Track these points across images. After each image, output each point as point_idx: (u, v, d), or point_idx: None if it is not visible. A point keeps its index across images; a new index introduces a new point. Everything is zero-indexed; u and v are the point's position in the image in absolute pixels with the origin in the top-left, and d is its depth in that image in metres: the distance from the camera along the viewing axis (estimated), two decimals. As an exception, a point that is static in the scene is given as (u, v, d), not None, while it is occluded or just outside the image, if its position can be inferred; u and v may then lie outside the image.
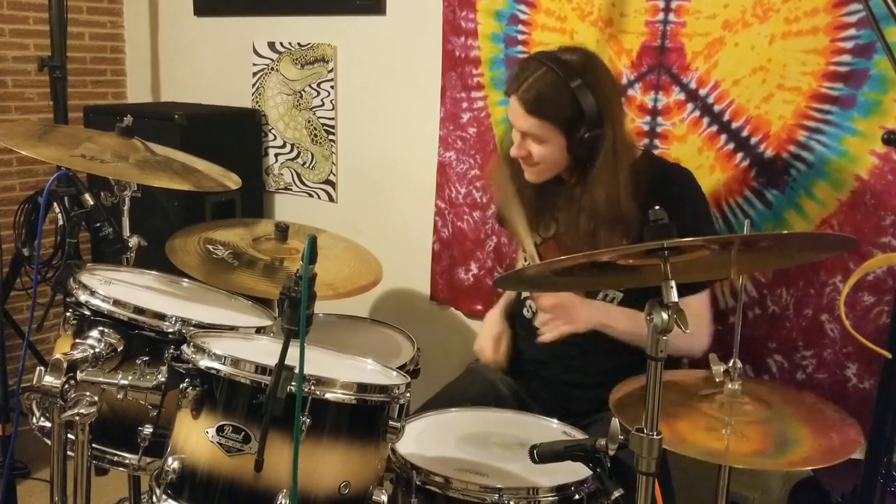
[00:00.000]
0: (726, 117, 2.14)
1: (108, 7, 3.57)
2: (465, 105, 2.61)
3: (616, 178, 1.81)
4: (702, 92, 2.16)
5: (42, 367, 1.39)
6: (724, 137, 2.15)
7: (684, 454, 1.45)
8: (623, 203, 1.80)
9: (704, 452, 1.47)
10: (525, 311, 2.05)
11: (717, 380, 1.67)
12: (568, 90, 1.78)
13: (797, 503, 1.98)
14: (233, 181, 2.07)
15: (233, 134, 3.12)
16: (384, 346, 2.21)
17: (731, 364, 1.66)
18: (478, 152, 2.61)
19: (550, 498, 1.52)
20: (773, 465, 1.80)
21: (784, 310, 2.11)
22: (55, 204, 2.67)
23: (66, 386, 1.39)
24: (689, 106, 2.19)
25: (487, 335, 2.08)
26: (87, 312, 1.61)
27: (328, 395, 1.35)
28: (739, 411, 1.61)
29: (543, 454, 1.45)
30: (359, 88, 2.92)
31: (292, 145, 3.13)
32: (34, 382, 1.39)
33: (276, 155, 3.19)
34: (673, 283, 1.25)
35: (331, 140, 3.02)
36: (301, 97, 3.06)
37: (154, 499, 1.39)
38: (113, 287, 1.72)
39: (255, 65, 3.17)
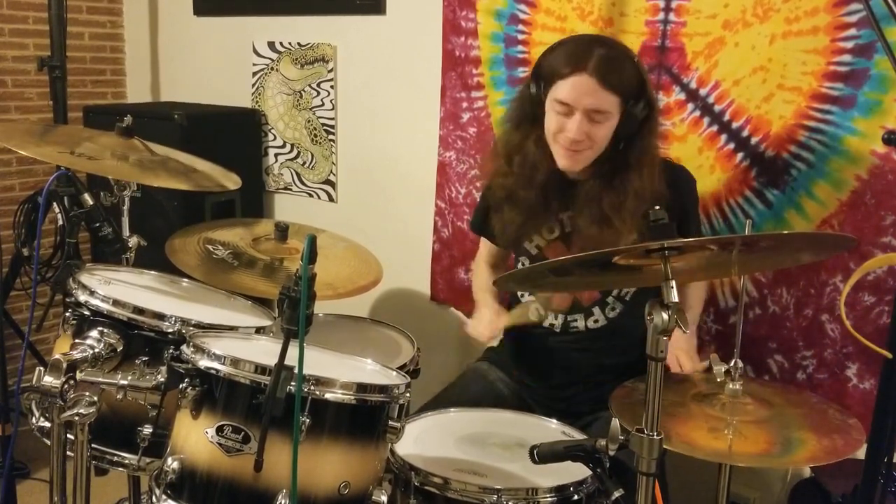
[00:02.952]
0: (727, 117, 2.14)
1: (107, 7, 3.57)
2: (465, 105, 2.61)
3: (653, 162, 1.84)
4: (702, 92, 2.16)
5: (41, 368, 1.39)
6: (724, 137, 2.15)
7: (687, 455, 1.45)
8: (650, 194, 1.81)
9: (707, 453, 1.47)
10: (531, 315, 2.04)
11: (719, 380, 1.67)
12: (631, 61, 1.82)
13: (797, 503, 1.98)
14: (233, 181, 2.07)
15: (233, 134, 3.11)
16: (384, 346, 2.20)
17: (732, 364, 1.66)
18: (478, 152, 2.61)
19: (549, 498, 1.51)
20: (779, 464, 1.80)
21: (784, 310, 2.11)
22: (55, 204, 2.67)
23: (66, 386, 1.39)
24: (690, 106, 2.19)
25: (486, 313, 2.02)
26: (86, 312, 1.60)
27: (328, 395, 1.35)
28: (741, 411, 1.61)
29: (544, 454, 1.45)
30: (359, 88, 2.92)
31: (292, 145, 3.13)
32: (34, 382, 1.39)
33: (276, 155, 3.19)
34: (673, 284, 1.25)
35: (331, 140, 3.02)
36: (301, 97, 3.06)
37: (154, 499, 1.39)
38: (112, 287, 1.72)
39: (254, 65, 3.17)
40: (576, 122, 1.77)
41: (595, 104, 1.76)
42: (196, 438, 1.37)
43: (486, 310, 2.03)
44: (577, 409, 1.97)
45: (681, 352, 1.86)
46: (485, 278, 2.17)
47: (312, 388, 1.33)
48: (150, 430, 1.55)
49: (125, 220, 2.03)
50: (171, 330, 1.59)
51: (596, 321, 1.98)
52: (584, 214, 1.86)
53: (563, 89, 1.78)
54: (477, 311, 2.09)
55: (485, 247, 2.22)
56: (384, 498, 1.42)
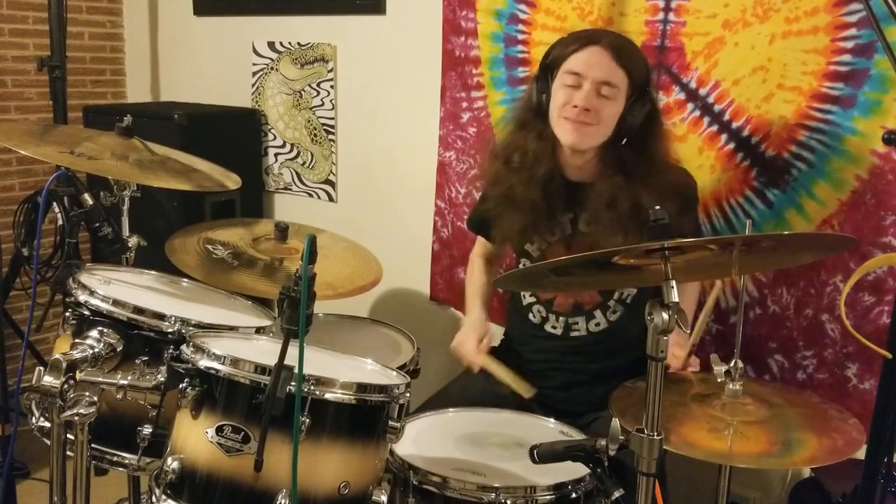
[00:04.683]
0: (727, 117, 2.14)
1: (107, 7, 3.57)
2: (465, 105, 2.61)
3: (663, 166, 1.87)
4: (702, 92, 2.16)
5: (41, 367, 1.39)
6: (724, 137, 2.15)
7: (688, 456, 1.45)
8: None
9: (708, 454, 1.47)
10: (532, 317, 2.04)
11: (719, 380, 1.67)
12: (641, 53, 1.91)
13: (797, 503, 1.97)
14: (233, 181, 2.07)
15: (233, 134, 3.11)
16: (384, 346, 2.20)
17: (732, 364, 1.66)
18: (478, 152, 2.60)
19: (547, 497, 1.52)
20: (779, 465, 1.79)
21: (785, 310, 2.11)
22: (55, 204, 2.67)
23: (66, 386, 1.39)
24: (690, 106, 2.19)
25: (473, 336, 2.03)
26: (86, 312, 1.60)
27: (328, 395, 1.35)
28: (741, 411, 1.61)
29: (544, 454, 1.45)
30: (359, 88, 2.92)
31: (292, 145, 3.13)
32: (33, 382, 1.39)
33: (276, 155, 3.19)
34: (674, 284, 1.25)
35: (331, 140, 3.02)
36: (301, 97, 3.06)
37: (153, 499, 1.39)
38: (112, 287, 1.72)
39: (254, 64, 3.17)
40: (584, 91, 1.80)
41: (605, 76, 1.80)
42: (196, 438, 1.37)
43: (471, 329, 2.05)
44: (577, 409, 1.97)
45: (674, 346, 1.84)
46: (478, 278, 2.21)
47: (312, 387, 1.33)
48: (150, 430, 1.54)
49: (125, 220, 2.03)
50: (171, 330, 1.59)
51: (597, 324, 1.98)
52: (600, 218, 1.86)
53: (575, 60, 1.82)
54: (464, 322, 2.13)
55: (480, 243, 2.25)
56: (384, 498, 1.42)
